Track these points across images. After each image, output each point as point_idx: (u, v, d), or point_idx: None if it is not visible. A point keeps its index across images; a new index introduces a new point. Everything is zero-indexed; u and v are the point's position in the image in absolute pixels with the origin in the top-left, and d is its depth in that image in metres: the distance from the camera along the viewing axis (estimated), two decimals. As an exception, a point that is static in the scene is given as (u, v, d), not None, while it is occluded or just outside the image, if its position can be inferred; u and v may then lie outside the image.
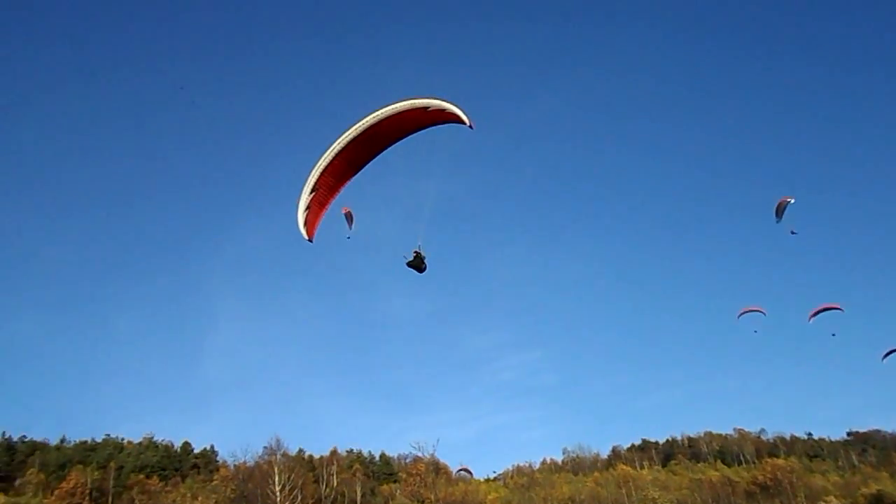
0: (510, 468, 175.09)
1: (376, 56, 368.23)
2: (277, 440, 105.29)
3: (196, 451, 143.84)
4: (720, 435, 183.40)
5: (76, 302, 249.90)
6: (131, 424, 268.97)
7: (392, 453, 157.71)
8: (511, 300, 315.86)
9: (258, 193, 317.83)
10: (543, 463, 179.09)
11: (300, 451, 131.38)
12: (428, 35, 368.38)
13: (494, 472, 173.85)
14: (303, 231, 23.25)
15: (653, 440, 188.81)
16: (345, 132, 21.94)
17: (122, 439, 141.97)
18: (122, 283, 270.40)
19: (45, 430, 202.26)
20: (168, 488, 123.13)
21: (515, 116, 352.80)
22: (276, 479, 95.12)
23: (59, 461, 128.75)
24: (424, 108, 21.42)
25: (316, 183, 22.72)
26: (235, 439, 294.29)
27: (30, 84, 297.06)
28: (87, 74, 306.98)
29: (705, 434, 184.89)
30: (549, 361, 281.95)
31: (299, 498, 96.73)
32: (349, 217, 37.98)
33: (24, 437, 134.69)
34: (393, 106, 21.55)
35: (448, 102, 21.47)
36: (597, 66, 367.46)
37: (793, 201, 52.48)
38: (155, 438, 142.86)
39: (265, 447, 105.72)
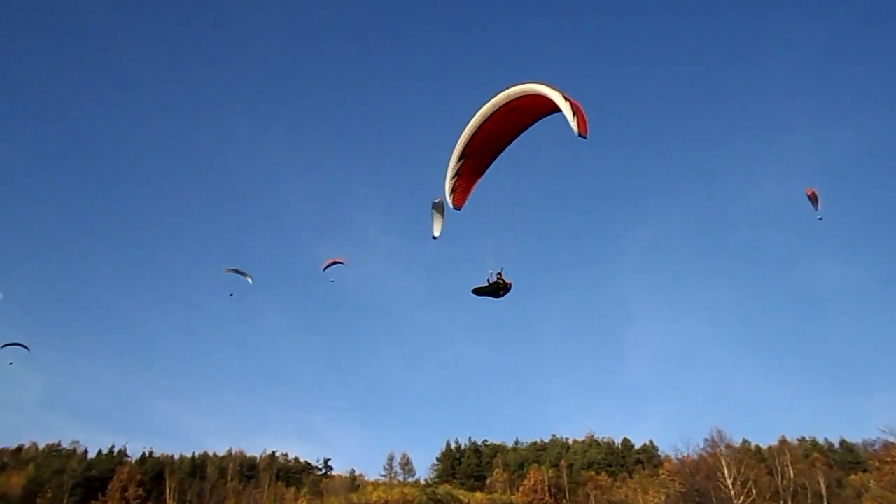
0: None
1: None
2: (719, 431, 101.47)
3: (636, 446, 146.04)
4: None
5: (510, 320, 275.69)
6: (573, 424, 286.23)
7: (854, 439, 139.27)
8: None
9: (651, 185, 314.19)
10: None
11: (744, 441, 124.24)
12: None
13: None
14: (448, 199, 22.04)
15: None
16: (492, 99, 19.88)
17: (568, 439, 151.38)
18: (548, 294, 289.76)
19: (502, 434, 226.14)
20: (617, 484, 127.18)
21: None
22: (726, 472, 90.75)
23: (518, 461, 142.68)
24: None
25: (463, 150, 21.03)
26: (674, 433, 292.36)
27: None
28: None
29: None
30: None
31: (754, 492, 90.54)
32: (813, 198, 33.81)
33: (486, 440, 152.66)
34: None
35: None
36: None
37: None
38: (596, 436, 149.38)
39: (706, 439, 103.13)
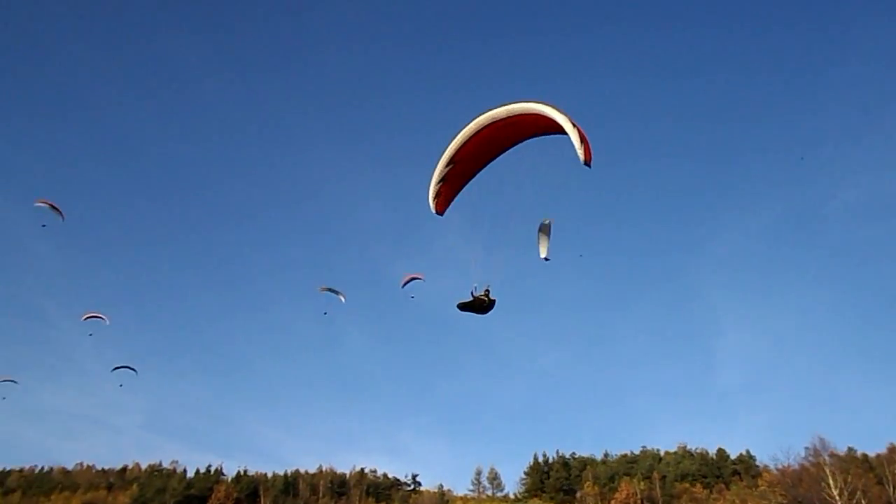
0: None
1: None
2: (821, 439, 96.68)
3: (732, 456, 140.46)
4: None
5: (596, 331, 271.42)
6: (664, 435, 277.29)
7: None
8: None
9: (733, 186, 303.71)
10: None
11: (850, 449, 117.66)
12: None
13: None
14: (431, 204, 21.71)
15: None
16: (490, 111, 19.70)
17: (659, 450, 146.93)
18: (634, 303, 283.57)
19: (591, 447, 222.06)
20: (714, 496, 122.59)
21: None
22: (831, 482, 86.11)
23: (608, 474, 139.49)
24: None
25: (453, 156, 20.62)
26: (771, 442, 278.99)
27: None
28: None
29: None
30: None
31: (864, 502, 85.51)
32: None
33: (575, 453, 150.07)
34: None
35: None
36: None
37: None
38: (689, 447, 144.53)
39: (807, 448, 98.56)
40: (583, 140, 17.96)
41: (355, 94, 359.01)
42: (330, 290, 60.65)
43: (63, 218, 57.95)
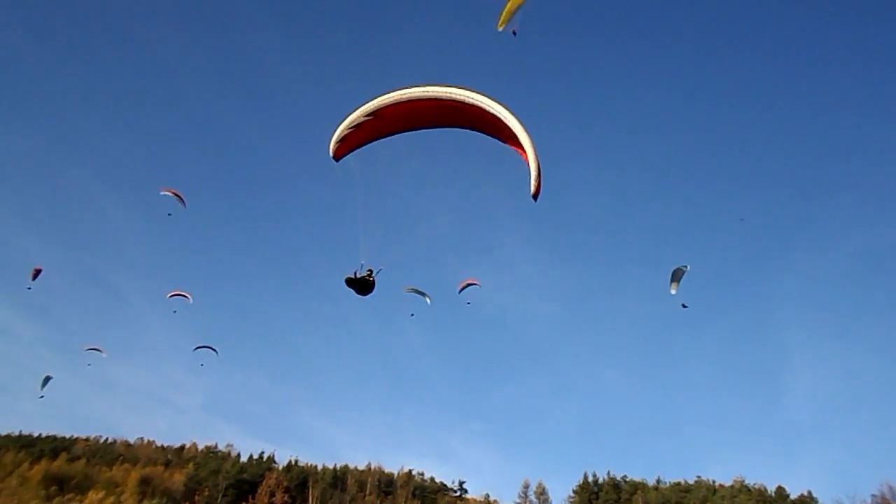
0: None
1: None
2: (890, 487, 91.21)
3: (793, 496, 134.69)
4: None
5: (656, 354, 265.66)
6: (720, 466, 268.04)
7: None
8: None
9: (812, 220, 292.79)
10: None
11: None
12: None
13: None
14: (331, 146, 20.07)
15: None
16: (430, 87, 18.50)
17: (714, 481, 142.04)
18: (696, 332, 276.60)
19: (643, 471, 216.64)
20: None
21: None
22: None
23: (659, 500, 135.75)
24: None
25: (378, 110, 19.03)
26: (836, 484, 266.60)
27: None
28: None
29: None
30: None
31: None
32: None
33: (626, 476, 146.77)
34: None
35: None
36: None
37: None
38: (746, 481, 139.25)
39: (874, 495, 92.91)
40: (539, 174, 17.21)
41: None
42: (416, 290, 60.09)
43: (185, 206, 59.43)
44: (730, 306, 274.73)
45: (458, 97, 18.20)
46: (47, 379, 71.40)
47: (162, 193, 58.70)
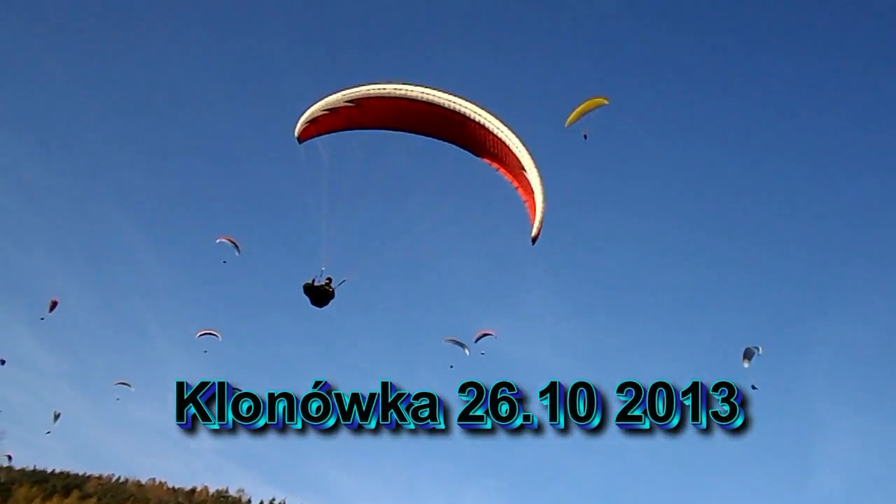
0: None
1: None
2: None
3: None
4: None
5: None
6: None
7: None
8: None
9: (846, 289, 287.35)
10: None
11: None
12: None
13: None
14: (298, 126, 18.28)
15: None
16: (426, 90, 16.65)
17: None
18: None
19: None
20: None
21: None
22: None
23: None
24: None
25: (361, 100, 17.16)
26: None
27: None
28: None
29: None
30: None
31: None
32: None
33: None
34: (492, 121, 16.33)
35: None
36: None
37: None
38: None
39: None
40: (543, 219, 16.04)
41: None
42: (456, 342, 59.75)
43: (239, 253, 59.31)
44: (758, 374, 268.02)
45: (462, 109, 16.60)
46: (58, 415, 71.34)
47: (218, 241, 58.70)
